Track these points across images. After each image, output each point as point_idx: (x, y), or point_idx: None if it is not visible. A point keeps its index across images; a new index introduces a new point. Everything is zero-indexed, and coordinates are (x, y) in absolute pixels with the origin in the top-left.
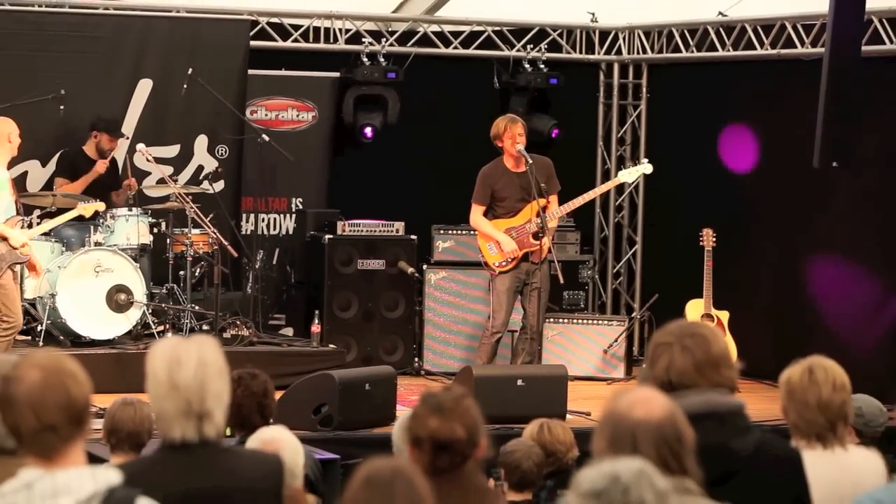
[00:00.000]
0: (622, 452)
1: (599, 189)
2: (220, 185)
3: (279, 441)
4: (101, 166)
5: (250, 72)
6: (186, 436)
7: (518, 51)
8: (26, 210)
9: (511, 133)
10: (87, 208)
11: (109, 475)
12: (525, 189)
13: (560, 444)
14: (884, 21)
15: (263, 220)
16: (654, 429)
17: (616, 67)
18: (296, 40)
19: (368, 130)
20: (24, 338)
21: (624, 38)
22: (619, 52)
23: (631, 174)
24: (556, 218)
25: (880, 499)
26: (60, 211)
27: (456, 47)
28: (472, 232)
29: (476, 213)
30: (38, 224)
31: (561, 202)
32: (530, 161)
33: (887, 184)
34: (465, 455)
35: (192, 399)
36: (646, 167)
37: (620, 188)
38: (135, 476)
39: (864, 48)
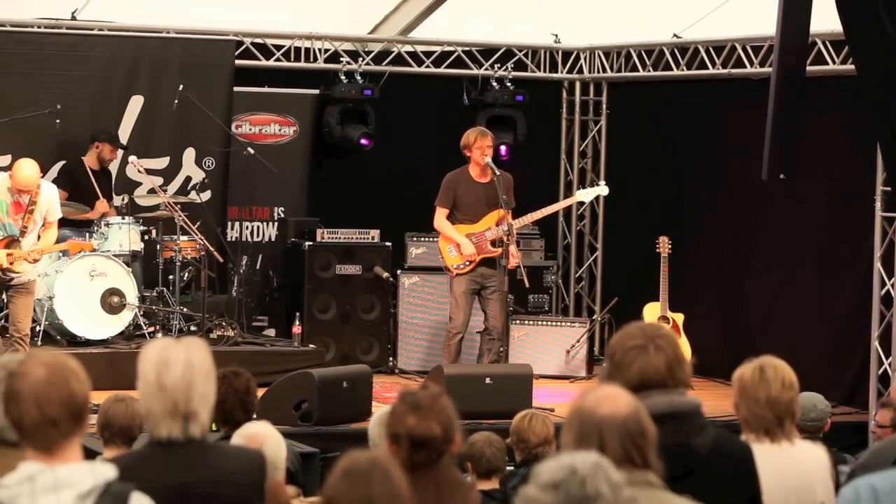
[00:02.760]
0: (589, 447)
1: (559, 205)
2: (206, 195)
3: (263, 436)
4: (100, 208)
5: (235, 89)
6: (172, 434)
7: (486, 70)
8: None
9: (480, 145)
10: (75, 245)
11: (106, 470)
12: (486, 199)
13: (533, 436)
14: (826, 43)
15: (247, 227)
16: (619, 424)
17: (578, 85)
18: (278, 59)
19: (364, 140)
20: None
21: (585, 58)
22: (580, 71)
23: (588, 194)
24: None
25: (873, 483)
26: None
27: (428, 66)
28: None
29: (440, 216)
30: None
31: (521, 212)
32: (497, 173)
33: (829, 194)
34: (441, 451)
35: (178, 399)
36: (602, 189)
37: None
38: (124, 471)
39: (808, 68)
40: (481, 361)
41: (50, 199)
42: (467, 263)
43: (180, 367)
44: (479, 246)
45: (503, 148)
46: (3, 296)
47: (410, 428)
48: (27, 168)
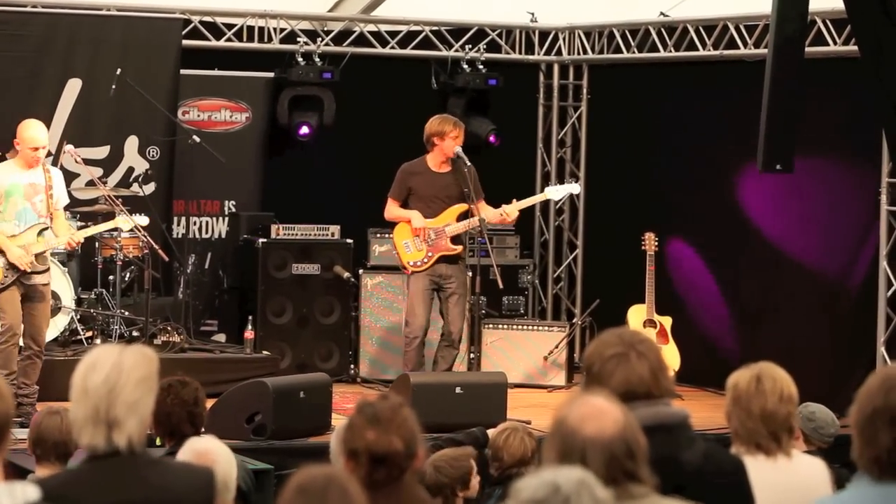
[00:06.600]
0: (571, 466)
1: (525, 202)
2: (150, 188)
3: (212, 452)
4: None
5: (182, 72)
6: (94, 443)
7: (456, 51)
8: None
9: (457, 134)
10: (126, 221)
11: (27, 491)
12: (444, 190)
13: (508, 456)
14: (827, 22)
15: (195, 223)
16: (604, 447)
17: (556, 68)
18: (229, 39)
19: (304, 129)
20: None
21: (564, 39)
22: (559, 52)
23: (558, 192)
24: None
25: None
26: None
27: (393, 47)
28: None
29: (390, 207)
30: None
31: (496, 206)
32: (468, 164)
33: (830, 186)
34: (403, 467)
35: (99, 405)
36: (574, 187)
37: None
38: (55, 490)
39: (807, 49)
40: (435, 369)
41: (61, 185)
42: (424, 260)
43: (106, 370)
44: (437, 243)
45: (492, 136)
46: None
47: (369, 443)
48: (34, 125)
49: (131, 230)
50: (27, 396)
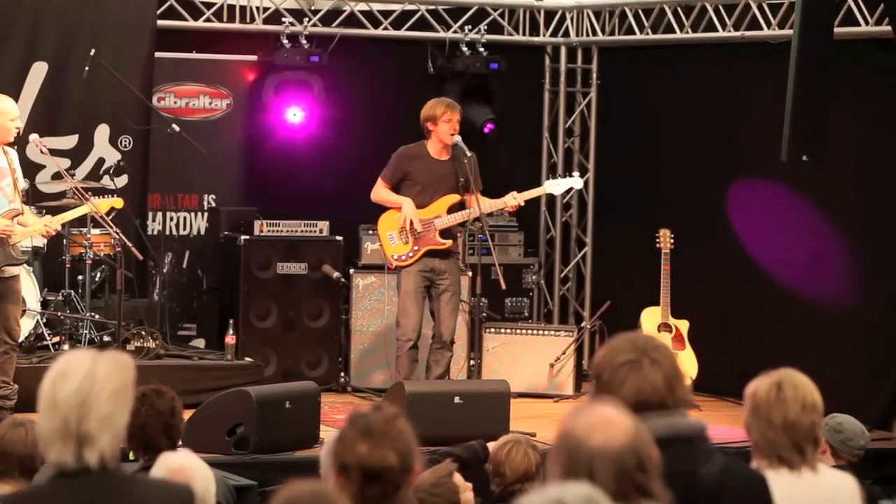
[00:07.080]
0: (578, 480)
1: (524, 195)
2: (123, 181)
3: (188, 468)
4: None
5: (157, 54)
6: (63, 460)
7: (455, 32)
8: None
9: (450, 118)
10: (102, 204)
11: None
12: (442, 179)
13: (510, 471)
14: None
15: (172, 218)
16: (613, 458)
17: (563, 51)
18: (208, 20)
19: (290, 116)
20: None
21: (572, 19)
22: (566, 34)
23: (559, 186)
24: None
25: None
26: None
27: (386, 28)
28: None
29: (378, 188)
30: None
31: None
32: (469, 154)
33: (863, 178)
34: (398, 484)
35: (69, 418)
36: (576, 181)
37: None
38: None
39: (836, 30)
40: (428, 375)
41: (18, 164)
42: (410, 254)
43: (77, 379)
44: (424, 236)
45: (488, 125)
46: None
47: (361, 457)
48: (4, 98)
49: (101, 226)
50: (7, 399)
